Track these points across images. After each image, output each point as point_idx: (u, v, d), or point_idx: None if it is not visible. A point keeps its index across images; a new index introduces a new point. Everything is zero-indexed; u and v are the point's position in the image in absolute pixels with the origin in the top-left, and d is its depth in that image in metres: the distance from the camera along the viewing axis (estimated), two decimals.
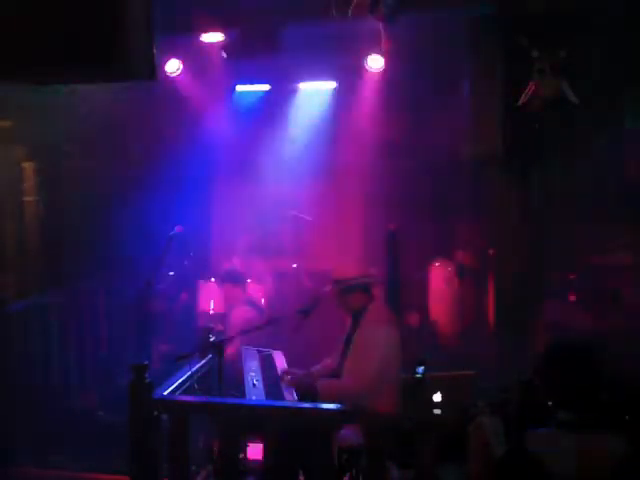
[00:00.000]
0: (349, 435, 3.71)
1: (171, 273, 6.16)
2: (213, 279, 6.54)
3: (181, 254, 6.18)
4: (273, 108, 7.10)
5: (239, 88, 7.19)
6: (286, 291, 6.82)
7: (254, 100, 7.22)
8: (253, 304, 5.84)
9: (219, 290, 6.27)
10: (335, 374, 4.18)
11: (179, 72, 6.41)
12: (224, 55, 5.78)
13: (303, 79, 7.01)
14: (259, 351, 4.74)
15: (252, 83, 7.04)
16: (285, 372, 4.34)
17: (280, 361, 4.61)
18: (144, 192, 6.51)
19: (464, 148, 5.31)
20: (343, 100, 6.97)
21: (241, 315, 5.55)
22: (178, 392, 3.72)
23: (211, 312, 6.39)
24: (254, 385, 4.00)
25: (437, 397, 4.16)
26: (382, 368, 3.90)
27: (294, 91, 7.16)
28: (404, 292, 6.54)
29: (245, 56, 5.91)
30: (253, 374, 4.18)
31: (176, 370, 4.00)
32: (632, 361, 4.02)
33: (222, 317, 6.09)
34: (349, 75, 6.66)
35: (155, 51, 2.71)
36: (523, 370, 4.36)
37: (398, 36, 5.32)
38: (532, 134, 4.68)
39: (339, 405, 3.45)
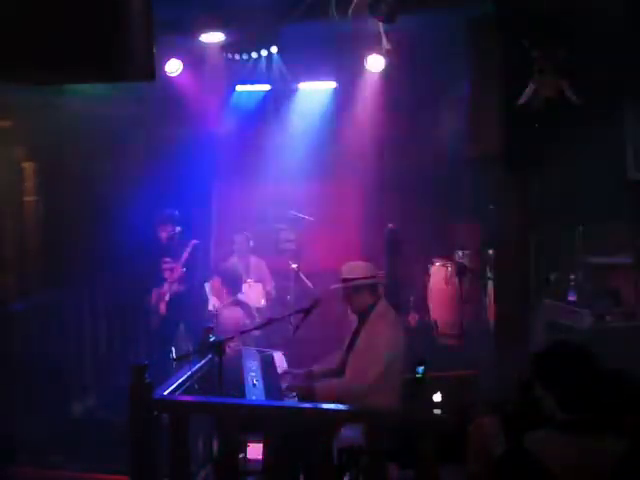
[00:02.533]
0: (349, 435, 3.71)
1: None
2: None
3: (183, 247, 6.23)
4: (273, 108, 7.10)
5: (239, 88, 7.18)
6: (286, 291, 6.82)
7: (254, 100, 7.22)
8: (242, 304, 5.86)
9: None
10: (337, 372, 4.19)
11: (179, 72, 6.41)
12: (224, 55, 5.80)
13: (303, 79, 7.01)
14: (259, 351, 4.74)
15: (252, 83, 7.04)
16: (285, 372, 4.35)
17: (280, 361, 4.61)
18: (144, 192, 6.52)
19: (464, 148, 5.31)
20: (343, 100, 6.97)
21: (228, 315, 5.60)
22: (178, 392, 3.72)
23: (211, 309, 6.42)
24: (254, 385, 4.00)
25: (437, 397, 4.16)
26: (385, 369, 3.90)
27: (294, 91, 7.16)
28: (404, 292, 6.54)
29: (245, 56, 5.93)
30: (253, 374, 4.18)
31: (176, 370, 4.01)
32: (632, 361, 4.02)
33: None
34: (349, 75, 6.66)
35: (155, 51, 2.71)
36: (523, 370, 4.36)
37: (398, 36, 5.32)
38: (532, 134, 4.68)
39: (339, 405, 3.45)
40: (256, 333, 5.86)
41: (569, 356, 2.57)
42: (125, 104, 6.11)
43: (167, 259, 6.17)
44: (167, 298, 6.14)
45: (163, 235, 6.22)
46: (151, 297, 6.22)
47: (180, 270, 6.13)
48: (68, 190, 6.36)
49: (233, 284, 5.90)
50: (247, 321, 5.70)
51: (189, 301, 6.17)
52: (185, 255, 6.13)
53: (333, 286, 4.32)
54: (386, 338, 3.99)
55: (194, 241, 6.20)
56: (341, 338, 4.37)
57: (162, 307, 6.14)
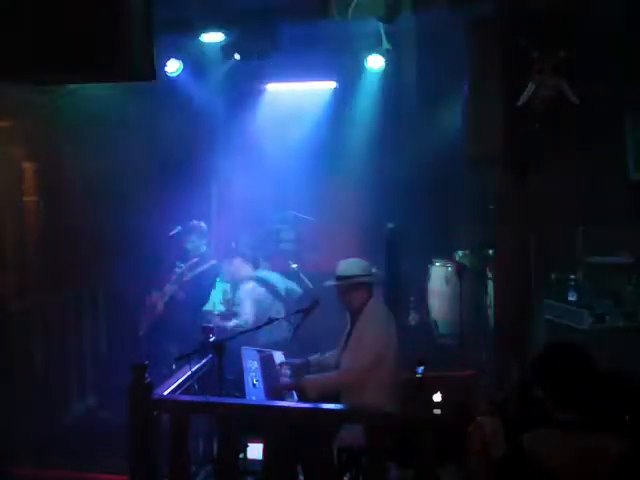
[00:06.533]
0: (349, 435, 3.71)
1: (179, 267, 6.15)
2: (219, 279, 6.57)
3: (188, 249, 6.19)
4: (273, 108, 7.09)
5: (239, 88, 7.18)
6: None
7: (254, 100, 7.22)
8: (263, 282, 5.85)
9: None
10: (333, 369, 4.19)
11: (179, 72, 6.40)
12: (224, 55, 5.80)
13: (303, 79, 7.00)
14: (259, 351, 4.75)
15: (252, 83, 7.04)
16: (282, 364, 4.38)
17: (280, 361, 4.62)
18: (144, 192, 6.51)
19: (464, 148, 5.30)
20: (343, 100, 6.97)
21: (247, 291, 5.65)
22: (178, 392, 3.72)
23: (216, 312, 6.42)
24: (254, 385, 4.00)
25: (437, 397, 4.16)
26: (374, 365, 3.91)
27: (294, 91, 7.16)
28: (404, 292, 6.54)
29: (245, 56, 5.92)
30: (253, 374, 4.19)
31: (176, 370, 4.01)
32: (632, 361, 4.02)
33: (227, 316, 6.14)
34: (349, 75, 6.66)
35: (155, 51, 2.71)
36: (523, 370, 4.36)
37: (398, 36, 5.32)
38: (532, 134, 4.68)
39: (339, 405, 3.45)
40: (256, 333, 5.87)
41: (569, 356, 2.56)
42: (125, 104, 6.11)
43: (181, 265, 6.12)
44: (166, 299, 6.10)
45: (187, 246, 6.14)
46: (150, 298, 6.17)
47: (188, 279, 6.07)
48: (68, 190, 6.36)
49: (254, 260, 5.89)
50: (269, 300, 5.74)
51: (185, 309, 6.08)
52: (199, 269, 6.08)
53: (327, 283, 4.34)
54: (375, 336, 4.01)
55: (213, 261, 6.15)
56: (341, 336, 4.38)
57: (159, 307, 6.10)
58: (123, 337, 6.55)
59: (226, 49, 5.88)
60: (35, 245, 6.39)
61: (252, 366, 4.36)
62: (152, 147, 6.81)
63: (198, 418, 3.84)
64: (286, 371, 4.34)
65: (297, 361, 4.43)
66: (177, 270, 6.07)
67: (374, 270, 4.48)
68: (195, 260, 6.07)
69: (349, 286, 4.17)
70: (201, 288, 6.08)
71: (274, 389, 4.07)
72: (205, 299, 6.22)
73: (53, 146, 6.25)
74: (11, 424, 5.12)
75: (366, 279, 4.17)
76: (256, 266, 6.04)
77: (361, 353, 3.96)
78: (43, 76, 2.80)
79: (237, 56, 5.91)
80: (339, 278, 4.21)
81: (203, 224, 6.23)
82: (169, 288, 6.09)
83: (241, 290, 5.85)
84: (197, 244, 6.14)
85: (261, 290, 5.82)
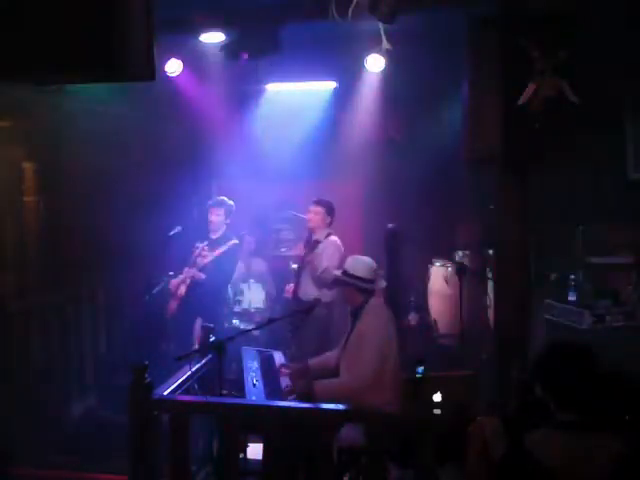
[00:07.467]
0: (349, 435, 3.71)
1: (171, 273, 6.11)
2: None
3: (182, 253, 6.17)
4: (273, 108, 7.10)
5: (239, 88, 7.18)
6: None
7: (254, 100, 7.22)
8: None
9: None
10: (333, 370, 4.19)
11: (179, 72, 6.41)
12: (224, 55, 5.79)
13: (303, 79, 7.01)
14: (259, 351, 4.75)
15: (252, 83, 7.04)
16: (282, 366, 4.37)
17: (280, 361, 4.62)
18: (144, 192, 6.51)
19: (464, 148, 5.30)
20: (343, 100, 6.97)
21: (335, 243, 5.83)
22: (178, 392, 3.73)
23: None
24: (254, 385, 4.00)
25: (437, 397, 4.16)
26: (379, 366, 3.91)
27: (294, 91, 7.16)
28: (404, 292, 6.54)
29: (245, 56, 5.92)
30: (253, 374, 4.19)
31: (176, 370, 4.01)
32: (632, 361, 4.02)
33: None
34: (349, 75, 6.66)
35: (155, 51, 2.70)
36: (523, 370, 4.36)
37: (398, 36, 5.32)
38: (532, 134, 4.68)
39: (339, 405, 3.45)
40: (256, 333, 5.88)
41: (569, 356, 2.57)
42: (125, 104, 6.11)
43: (198, 245, 6.11)
44: (188, 282, 6.04)
45: (212, 219, 6.12)
46: (170, 282, 6.13)
47: (210, 259, 6.04)
48: (68, 190, 6.36)
49: (332, 213, 6.00)
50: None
51: (208, 293, 6.04)
52: (222, 249, 6.07)
53: (335, 272, 4.38)
54: (376, 337, 4.00)
55: (234, 240, 6.13)
56: (342, 335, 4.38)
57: (182, 290, 6.08)
58: (123, 337, 6.56)
59: (226, 49, 5.87)
60: (35, 245, 6.38)
61: (252, 366, 4.36)
62: (152, 147, 6.81)
63: (198, 418, 3.84)
64: (286, 372, 4.34)
65: (296, 365, 4.42)
66: (195, 250, 6.06)
67: (380, 272, 4.48)
68: (214, 237, 6.07)
69: (345, 284, 4.19)
70: (222, 269, 6.04)
71: (288, 391, 4.06)
72: (227, 279, 6.21)
73: (53, 146, 6.24)
74: (11, 424, 5.13)
75: (360, 285, 4.15)
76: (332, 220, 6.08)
77: (363, 358, 3.94)
78: (43, 76, 2.80)
79: (237, 56, 5.90)
80: (342, 271, 4.24)
81: (231, 202, 6.20)
82: (189, 271, 6.05)
83: (326, 245, 5.85)
84: (222, 219, 6.12)
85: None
